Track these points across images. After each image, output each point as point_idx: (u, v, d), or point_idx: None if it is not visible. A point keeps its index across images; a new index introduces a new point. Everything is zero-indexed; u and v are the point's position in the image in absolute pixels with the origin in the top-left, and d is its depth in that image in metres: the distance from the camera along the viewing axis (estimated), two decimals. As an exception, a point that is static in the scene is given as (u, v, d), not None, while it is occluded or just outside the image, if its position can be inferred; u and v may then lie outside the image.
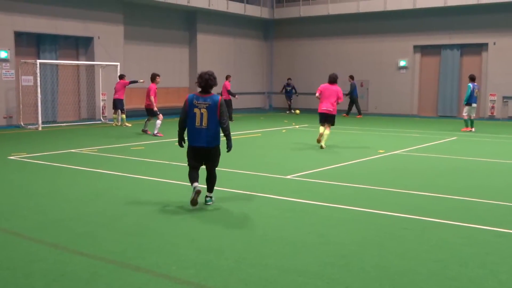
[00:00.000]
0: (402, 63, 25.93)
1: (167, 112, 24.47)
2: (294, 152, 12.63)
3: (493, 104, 23.93)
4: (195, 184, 7.03)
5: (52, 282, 4.50)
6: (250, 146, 13.75)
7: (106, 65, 20.89)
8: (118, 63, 20.76)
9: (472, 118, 17.97)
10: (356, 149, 13.41)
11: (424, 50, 25.83)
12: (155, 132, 15.79)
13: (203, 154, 7.23)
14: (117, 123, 19.23)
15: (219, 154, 7.39)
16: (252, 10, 27.62)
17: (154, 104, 15.52)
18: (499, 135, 16.90)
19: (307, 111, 27.70)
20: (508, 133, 17.49)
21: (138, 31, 23.68)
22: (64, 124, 19.55)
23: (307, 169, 10.14)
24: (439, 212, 6.92)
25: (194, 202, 6.96)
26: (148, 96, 15.57)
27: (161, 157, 11.58)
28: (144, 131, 16.29)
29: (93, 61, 21.28)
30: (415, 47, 25.79)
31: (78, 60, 21.64)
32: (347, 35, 27.50)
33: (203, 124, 7.05)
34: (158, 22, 24.58)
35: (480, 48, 24.37)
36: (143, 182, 8.92)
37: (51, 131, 17.52)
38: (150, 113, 15.90)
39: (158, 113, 15.71)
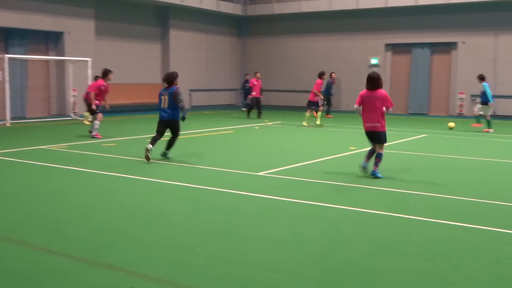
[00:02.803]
0: (374, 61, 26.21)
1: (139, 109, 24.33)
2: (267, 149, 12.66)
3: (461, 102, 24.37)
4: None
5: (20, 281, 4.43)
6: (223, 143, 13.73)
7: (77, 60, 20.60)
8: (89, 59, 20.48)
9: (488, 118, 17.57)
10: (328, 146, 13.51)
11: (395, 48, 26.15)
12: (93, 133, 14.21)
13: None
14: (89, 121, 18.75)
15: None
16: (225, 7, 27.56)
17: (93, 102, 14.15)
18: (468, 132, 17.21)
19: (279, 108, 27.78)
20: (476, 130, 17.83)
21: (110, 27, 23.41)
22: (33, 120, 19.23)
23: (279, 166, 10.19)
24: (408, 208, 7.03)
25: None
26: (89, 90, 14.62)
27: (132, 154, 11.49)
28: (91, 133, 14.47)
29: (64, 56, 20.97)
30: (387, 45, 26.10)
31: (48, 55, 21.29)
32: (319, 32, 27.67)
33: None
34: (130, 17, 24.35)
35: (449, 47, 24.78)
36: (114, 179, 8.84)
37: (20, 127, 17.22)
38: (89, 108, 14.84)
39: (98, 112, 14.29)
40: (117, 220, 6.35)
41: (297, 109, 27.40)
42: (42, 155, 11.32)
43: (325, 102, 24.11)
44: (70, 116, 20.51)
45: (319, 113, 18.67)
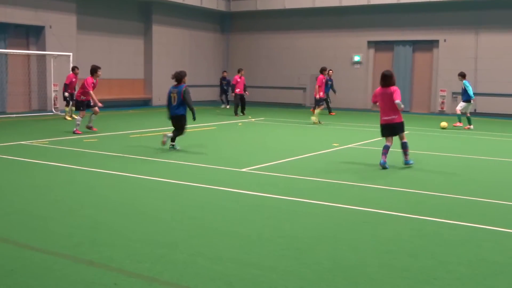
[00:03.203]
0: (357, 58, 26.35)
1: (122, 104, 24.18)
2: (250, 146, 12.67)
3: (443, 99, 24.62)
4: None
5: (1, 278, 4.38)
6: (206, 139, 13.70)
7: (58, 55, 20.37)
8: (71, 54, 20.28)
9: (468, 115, 17.66)
10: (312, 142, 13.55)
11: (377, 45, 26.31)
12: (75, 129, 14.21)
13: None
14: (70, 116, 18.52)
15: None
16: (208, 2, 27.45)
17: (95, 98, 14.19)
18: (449, 129, 17.38)
19: (263, 105, 27.79)
20: (458, 127, 18.01)
21: (92, 21, 23.18)
22: (14, 115, 19.00)
23: (262, 162, 10.20)
24: (391, 205, 7.09)
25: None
26: (82, 88, 14.41)
27: (115, 149, 11.42)
28: (89, 128, 14.62)
29: (45, 51, 20.72)
30: (369, 42, 26.25)
31: (28, 49, 21.02)
32: (303, 29, 27.73)
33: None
34: (113, 12, 24.14)
35: (431, 44, 25.01)
36: (97, 175, 8.78)
37: (0, 122, 16.99)
38: (78, 106, 14.78)
39: (82, 109, 14.49)
40: (100, 216, 6.30)
41: (280, 106, 27.46)
42: (23, 150, 11.19)
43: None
44: (51, 112, 20.29)
45: (317, 111, 18.32)
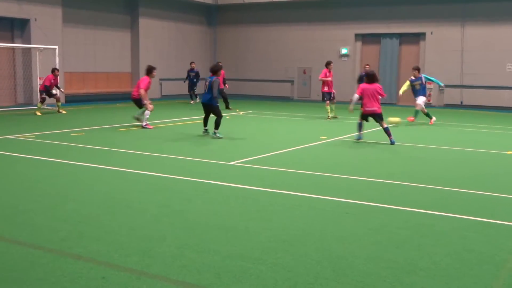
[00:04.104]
0: (344, 51, 26.39)
1: (109, 98, 24.02)
2: (237, 139, 12.66)
3: (430, 92, 24.72)
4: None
5: (-13, 273, 4.36)
6: (194, 132, 13.67)
7: (44, 48, 20.18)
8: (57, 47, 20.10)
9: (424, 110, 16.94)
10: (299, 135, 13.58)
11: (364, 38, 26.36)
12: (144, 123, 14.37)
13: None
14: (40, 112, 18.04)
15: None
16: (195, -5, 27.33)
17: (145, 98, 14.31)
18: (438, 122, 17.49)
19: (250, 98, 27.78)
20: (444, 120, 18.13)
21: (78, 14, 22.98)
22: (-1, 109, 18.82)
23: (250, 155, 10.20)
24: (378, 197, 7.13)
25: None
26: (138, 87, 14.44)
27: (101, 143, 11.37)
28: (137, 119, 14.65)
29: (30, 44, 20.51)
30: (356, 35, 26.29)
31: (13, 42, 20.78)
32: (290, 22, 27.69)
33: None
34: (99, 5, 23.93)
35: (418, 37, 25.10)
36: (83, 169, 8.73)
37: (-15, 116, 16.84)
38: (138, 104, 14.67)
39: (144, 104, 14.43)
40: (86, 210, 6.28)
41: (268, 99, 27.45)
42: (9, 145, 11.10)
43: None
44: (43, 107, 20.10)
45: (329, 106, 17.81)
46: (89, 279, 4.25)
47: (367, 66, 21.65)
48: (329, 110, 17.84)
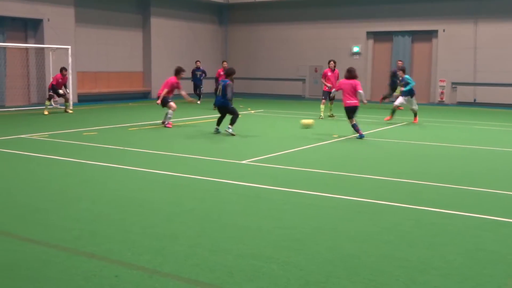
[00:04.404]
0: (356, 49, 26.29)
1: (121, 97, 24.15)
2: (249, 137, 12.67)
3: (442, 90, 24.60)
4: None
5: (1, 271, 4.40)
6: (206, 131, 13.70)
7: (56, 48, 20.32)
8: (69, 47, 20.22)
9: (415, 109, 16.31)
10: (311, 134, 13.55)
11: (376, 36, 26.24)
12: (166, 122, 14.50)
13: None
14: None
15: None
16: (207, -6, 27.37)
17: (162, 95, 14.45)
18: (449, 119, 17.40)
19: (262, 96, 27.78)
20: (456, 118, 18.03)
21: (90, 14, 23.11)
22: (13, 109, 18.98)
23: (262, 154, 10.21)
24: (390, 195, 7.11)
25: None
26: (162, 87, 14.62)
27: (114, 142, 11.43)
28: (165, 124, 14.58)
29: (43, 44, 20.66)
30: (368, 33, 26.17)
31: (27, 43, 20.96)
32: (301, 20, 27.64)
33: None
34: (111, 4, 24.05)
35: (430, 35, 24.94)
36: (96, 168, 8.79)
37: (-1, 116, 17.00)
38: (162, 103, 14.57)
39: (170, 102, 14.59)
40: (99, 209, 6.32)
41: (279, 98, 27.43)
42: (22, 144, 11.20)
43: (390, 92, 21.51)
44: (51, 105, 20.26)
45: (324, 105, 17.35)
46: (102, 278, 4.28)
47: (400, 63, 20.93)
48: (322, 109, 17.35)
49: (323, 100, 17.53)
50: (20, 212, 6.16)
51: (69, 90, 18.48)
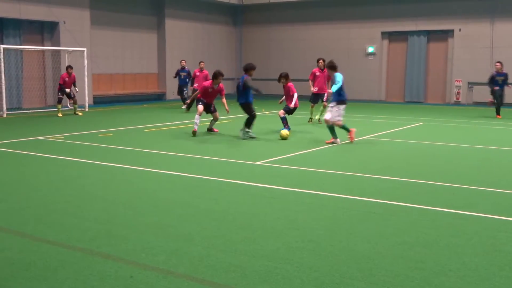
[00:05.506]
0: (370, 49, 26.16)
1: (136, 99, 24.29)
2: (263, 139, 12.67)
3: (458, 89, 24.38)
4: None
5: (18, 271, 4.45)
6: (220, 132, 13.72)
7: (73, 50, 20.50)
8: (85, 49, 20.39)
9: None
10: (325, 134, 13.50)
11: (391, 36, 26.10)
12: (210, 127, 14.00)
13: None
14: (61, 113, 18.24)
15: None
16: (221, -4, 27.42)
17: (193, 97, 14.41)
18: (464, 120, 17.24)
19: (276, 97, 27.74)
20: (473, 117, 17.85)
21: (105, 16, 23.28)
22: (30, 110, 19.17)
23: (277, 155, 10.20)
24: (404, 196, 7.06)
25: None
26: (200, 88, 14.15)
27: (129, 144, 11.49)
28: (210, 130, 13.96)
29: (59, 46, 20.85)
30: (383, 33, 26.03)
31: (43, 45, 21.17)
32: (316, 21, 27.58)
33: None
34: (126, 6, 24.20)
35: (446, 34, 24.74)
36: (111, 169, 8.84)
37: (16, 118, 17.18)
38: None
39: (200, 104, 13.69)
40: (114, 210, 6.36)
41: (294, 98, 27.36)
42: (38, 145, 11.31)
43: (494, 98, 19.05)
44: (66, 107, 20.44)
45: (313, 108, 16.71)
46: (117, 278, 4.31)
47: (498, 64, 19.00)
48: (311, 112, 16.62)
49: (313, 105, 16.62)
50: (36, 213, 6.22)
51: (77, 89, 18.55)
